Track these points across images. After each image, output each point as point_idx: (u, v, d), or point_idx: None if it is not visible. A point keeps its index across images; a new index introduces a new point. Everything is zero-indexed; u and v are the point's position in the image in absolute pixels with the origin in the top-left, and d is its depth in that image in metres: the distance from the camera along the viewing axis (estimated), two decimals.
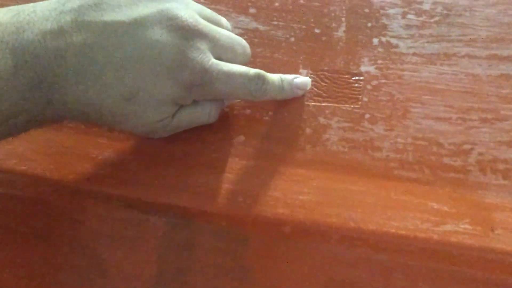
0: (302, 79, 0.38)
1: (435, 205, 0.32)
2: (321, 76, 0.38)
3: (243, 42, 0.37)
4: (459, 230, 0.31)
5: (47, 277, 0.34)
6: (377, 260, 0.32)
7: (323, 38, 0.40)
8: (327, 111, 0.37)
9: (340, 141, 0.35)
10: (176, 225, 0.33)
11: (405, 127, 0.36)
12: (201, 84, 0.33)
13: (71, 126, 0.37)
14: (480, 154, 0.34)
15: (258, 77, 0.34)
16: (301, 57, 0.39)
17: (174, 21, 0.32)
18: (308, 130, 0.36)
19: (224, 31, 0.36)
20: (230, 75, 0.33)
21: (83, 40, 0.30)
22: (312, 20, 0.42)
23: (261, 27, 0.40)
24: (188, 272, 0.32)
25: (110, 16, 0.32)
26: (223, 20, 0.37)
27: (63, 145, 0.36)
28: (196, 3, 0.35)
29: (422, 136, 0.35)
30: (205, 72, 0.32)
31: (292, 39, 0.39)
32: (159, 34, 0.32)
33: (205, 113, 0.35)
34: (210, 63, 0.33)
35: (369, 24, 0.40)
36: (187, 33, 0.32)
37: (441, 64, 0.38)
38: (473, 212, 0.32)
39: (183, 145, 0.37)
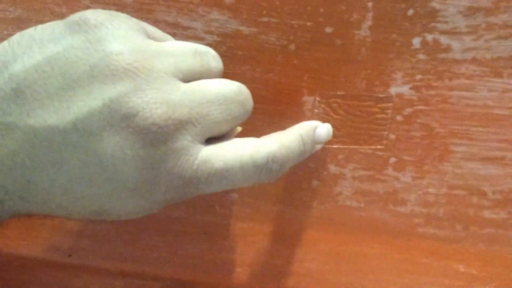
0: (326, 130, 0.28)
1: (462, 268, 0.29)
2: (334, 105, 0.29)
3: (241, 94, 0.25)
4: None
5: None
6: None
7: (338, 42, 0.28)
8: (340, 156, 0.29)
9: (355, 195, 0.30)
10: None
11: (440, 174, 0.29)
12: (183, 195, 0.24)
13: None
14: None
15: (273, 161, 0.24)
16: (305, 77, 0.28)
17: (131, 121, 0.21)
18: (315, 183, 0.30)
19: (214, 89, 0.24)
20: (226, 173, 0.23)
21: (11, 154, 0.22)
22: (321, 11, 0.27)
23: (244, 29, 0.28)
24: None
25: (39, 116, 0.22)
26: (212, 60, 0.25)
27: (40, 217, 0.33)
28: (167, 48, 0.24)
29: (462, 184, 0.29)
30: (187, 183, 0.23)
31: (292, 46, 0.28)
32: (111, 144, 0.21)
33: None
34: (195, 166, 0.23)
35: (410, 12, 0.27)
36: (156, 136, 0.22)
37: (510, 76, 0.27)
38: (505, 274, 0.29)
39: (169, 209, 0.31)
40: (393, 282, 0.29)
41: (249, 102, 0.25)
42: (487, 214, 0.28)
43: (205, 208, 0.30)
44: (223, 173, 0.23)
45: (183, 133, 0.22)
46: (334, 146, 0.29)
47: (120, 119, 0.21)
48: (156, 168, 0.22)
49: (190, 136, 0.22)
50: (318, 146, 0.27)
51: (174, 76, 0.22)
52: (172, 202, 0.24)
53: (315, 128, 0.27)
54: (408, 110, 0.28)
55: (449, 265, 0.29)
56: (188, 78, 0.24)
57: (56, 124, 0.21)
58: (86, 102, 0.21)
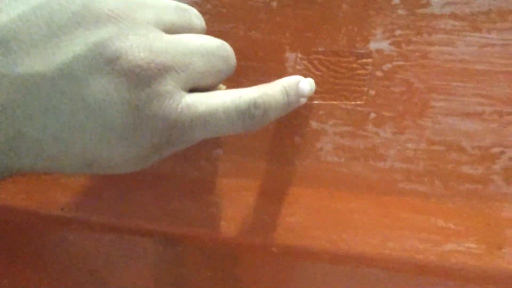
0: (308, 85, 0.28)
1: (440, 222, 0.30)
2: (315, 61, 0.29)
3: (224, 50, 0.26)
4: (461, 250, 0.30)
5: None
6: (370, 277, 0.32)
7: None
8: (321, 112, 0.30)
9: (336, 151, 0.30)
10: (164, 245, 0.34)
11: (420, 129, 0.29)
12: (170, 140, 0.25)
13: None
14: (510, 159, 0.29)
15: (255, 106, 0.25)
16: (287, 34, 0.29)
17: (115, 64, 0.22)
18: (297, 139, 0.31)
19: (197, 42, 0.25)
20: (209, 117, 0.24)
21: (0, 105, 0.22)
22: None
23: None
24: (183, 285, 0.35)
25: (25, 64, 0.22)
26: (194, 17, 0.26)
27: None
28: (150, 2, 0.24)
29: (441, 139, 0.29)
30: (173, 126, 0.24)
31: (275, 3, 0.29)
32: (98, 88, 0.22)
33: None
34: (179, 109, 0.24)
35: None
36: (139, 77, 0.22)
37: (489, 31, 0.28)
38: (483, 228, 0.30)
39: (158, 166, 0.32)
40: (373, 236, 0.30)
41: (232, 58, 0.26)
42: (466, 169, 0.29)
43: (192, 165, 0.31)
44: (207, 117, 0.24)
45: (166, 78, 0.23)
46: (315, 102, 0.29)
47: (104, 62, 0.22)
48: (141, 110, 0.23)
49: (174, 81, 0.23)
50: (303, 100, 0.28)
51: (156, 26, 0.23)
52: (159, 151, 0.25)
53: (298, 82, 0.28)
54: (387, 66, 0.28)
55: (428, 220, 0.29)
56: (170, 31, 0.24)
57: (43, 70, 0.21)
58: (71, 48, 0.22)
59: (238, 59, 0.26)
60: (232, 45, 0.26)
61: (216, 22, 0.29)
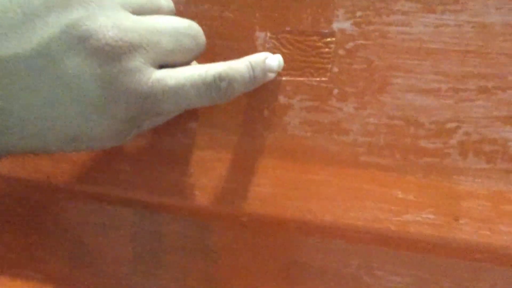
0: (276, 60, 0.31)
1: (400, 194, 0.32)
2: (283, 40, 0.32)
3: (192, 29, 0.28)
4: (420, 220, 0.31)
5: (38, 264, 0.40)
6: (334, 246, 0.34)
7: None
8: (288, 88, 0.32)
9: (303, 124, 0.32)
10: (143, 215, 0.36)
11: (380, 104, 0.31)
12: (144, 112, 0.27)
13: None
14: (465, 133, 0.31)
15: (220, 78, 0.28)
16: (257, 14, 0.31)
17: (87, 43, 0.24)
18: (266, 113, 0.33)
19: (164, 22, 0.27)
20: (179, 90, 0.27)
21: None
22: None
23: None
24: (160, 254, 0.37)
25: (3, 47, 0.24)
26: (162, 1, 0.28)
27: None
28: None
29: (400, 114, 0.31)
30: (145, 99, 0.26)
31: None
32: (72, 66, 0.24)
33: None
34: (150, 83, 0.26)
35: None
36: (109, 54, 0.25)
37: (443, 12, 0.30)
38: (441, 200, 0.31)
39: (137, 139, 0.34)
40: (337, 206, 0.32)
41: (201, 37, 0.28)
42: (423, 143, 0.31)
43: (169, 137, 0.33)
44: (176, 90, 0.26)
45: (135, 55, 0.25)
46: (283, 78, 0.32)
47: (77, 42, 0.24)
48: (114, 84, 0.25)
49: (142, 58, 0.25)
50: (271, 75, 0.30)
51: (124, 8, 0.26)
52: (136, 123, 0.27)
53: (266, 58, 0.30)
54: (349, 45, 0.30)
55: (388, 192, 0.31)
56: (138, 12, 0.27)
57: (22, 52, 0.24)
58: (46, 30, 0.24)
59: (212, 37, 0.29)
60: (207, 24, 0.28)
61: (193, 4, 0.31)
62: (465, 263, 0.32)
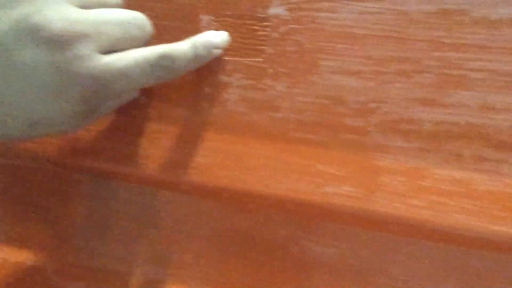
0: (220, 37, 0.34)
1: (324, 168, 0.34)
2: (224, 23, 0.35)
3: (138, 19, 0.31)
4: (340, 192, 0.34)
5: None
6: (265, 215, 0.37)
7: None
8: (227, 67, 0.36)
9: (240, 101, 0.36)
10: (97, 181, 0.39)
11: (310, 84, 0.34)
12: (97, 94, 0.30)
13: None
14: (385, 113, 0.33)
15: (163, 58, 0.30)
16: None
17: (37, 34, 0.27)
18: (207, 90, 0.36)
19: (110, 13, 0.30)
20: (127, 71, 0.29)
21: None
22: None
23: None
24: (111, 219, 0.40)
25: None
26: None
27: None
28: None
29: (327, 94, 0.34)
30: (97, 81, 0.29)
31: None
32: (27, 55, 0.27)
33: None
34: (100, 67, 0.29)
35: None
36: (59, 43, 0.27)
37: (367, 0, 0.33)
38: (360, 174, 0.34)
39: None
40: (266, 177, 0.35)
41: (147, 26, 0.32)
42: (347, 121, 0.34)
43: (121, 110, 0.37)
44: (124, 71, 0.30)
45: (83, 43, 0.29)
46: (225, 58, 0.35)
47: (28, 34, 0.27)
48: (67, 69, 0.28)
49: (91, 46, 0.29)
50: (216, 51, 0.34)
51: (70, 2, 0.29)
52: (91, 106, 0.30)
53: (209, 36, 0.33)
54: (283, 28, 0.34)
55: (313, 165, 0.34)
56: (84, 7, 0.30)
57: None
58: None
59: (160, 19, 0.33)
60: (156, 7, 0.32)
61: None
62: (383, 235, 0.34)
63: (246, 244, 0.37)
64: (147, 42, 0.32)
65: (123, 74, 0.29)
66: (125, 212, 0.38)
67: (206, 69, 0.35)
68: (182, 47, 0.31)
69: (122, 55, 0.30)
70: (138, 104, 0.36)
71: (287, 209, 0.35)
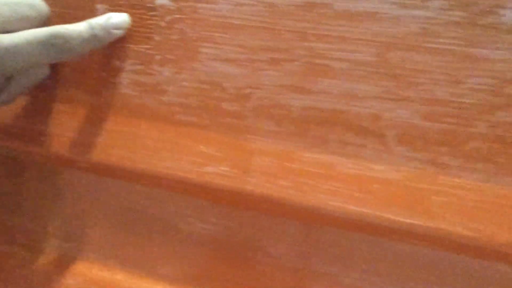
0: (119, 18, 0.36)
1: (204, 149, 0.37)
2: (117, 11, 0.39)
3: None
4: (218, 172, 0.37)
5: None
6: (156, 193, 0.40)
7: None
8: (121, 53, 0.39)
9: (131, 85, 0.39)
10: (6, 158, 0.43)
11: (193, 70, 0.37)
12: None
13: None
14: (259, 98, 0.36)
15: (55, 37, 0.32)
16: None
17: None
18: (103, 74, 0.39)
19: None
20: (14, 49, 0.30)
21: None
22: None
23: None
24: (20, 198, 0.43)
25: None
26: None
27: None
28: None
29: (208, 79, 0.37)
30: None
31: None
32: None
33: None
34: None
35: None
36: None
37: None
38: (236, 156, 0.36)
39: None
40: (152, 156, 0.37)
41: (41, 6, 0.34)
42: (225, 106, 0.36)
43: (29, 92, 0.41)
44: (12, 49, 0.31)
45: None
46: (118, 45, 0.38)
47: None
48: None
49: None
50: (117, 32, 0.37)
51: None
52: None
53: (108, 17, 0.36)
54: (168, 18, 0.37)
55: (196, 146, 0.37)
56: None
57: None
58: None
59: (58, 8, 0.36)
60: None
61: None
62: (258, 215, 0.37)
63: (140, 222, 0.40)
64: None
65: (11, 52, 0.30)
66: (33, 190, 0.42)
67: (102, 54, 0.38)
68: (77, 28, 0.33)
69: (13, 34, 0.31)
70: (44, 86, 0.39)
71: (173, 188, 0.37)
